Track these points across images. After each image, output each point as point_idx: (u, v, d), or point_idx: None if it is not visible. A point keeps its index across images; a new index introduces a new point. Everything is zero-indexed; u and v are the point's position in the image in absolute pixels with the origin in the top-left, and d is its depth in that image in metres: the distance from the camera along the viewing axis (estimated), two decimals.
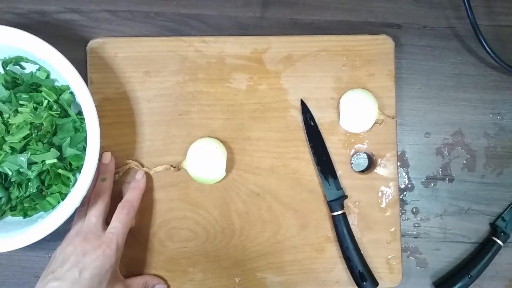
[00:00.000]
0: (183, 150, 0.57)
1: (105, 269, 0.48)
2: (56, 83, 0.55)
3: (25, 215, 0.54)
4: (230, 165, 0.58)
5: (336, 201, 0.57)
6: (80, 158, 0.52)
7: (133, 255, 0.57)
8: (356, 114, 0.57)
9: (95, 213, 0.52)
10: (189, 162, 0.55)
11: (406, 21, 0.62)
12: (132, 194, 0.55)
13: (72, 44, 0.58)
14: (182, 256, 0.57)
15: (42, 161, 0.51)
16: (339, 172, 0.58)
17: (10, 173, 0.51)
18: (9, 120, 0.52)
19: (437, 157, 0.62)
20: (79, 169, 0.53)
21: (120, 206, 0.53)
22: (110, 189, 0.55)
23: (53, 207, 0.53)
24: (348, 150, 0.59)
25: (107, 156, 0.55)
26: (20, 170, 0.51)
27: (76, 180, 0.53)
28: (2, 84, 0.52)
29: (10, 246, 0.49)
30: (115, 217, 0.52)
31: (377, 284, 0.56)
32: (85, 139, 0.52)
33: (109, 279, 0.49)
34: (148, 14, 0.60)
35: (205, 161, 0.55)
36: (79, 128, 0.53)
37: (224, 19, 0.61)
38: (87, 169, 0.49)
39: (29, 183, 0.52)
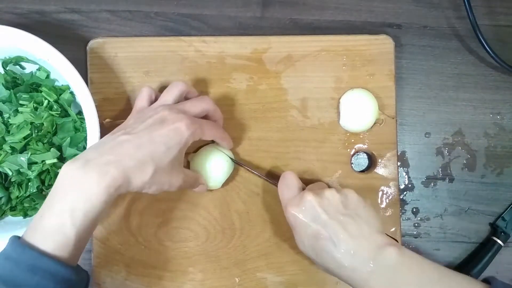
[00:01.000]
0: None
1: (174, 142, 0.45)
2: (56, 83, 0.55)
3: (25, 215, 0.54)
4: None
5: None
6: None
7: (133, 255, 0.57)
8: (356, 114, 0.57)
9: (196, 106, 0.50)
10: (194, 167, 0.56)
11: (406, 21, 0.62)
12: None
13: (72, 44, 0.58)
14: (182, 256, 0.57)
15: (42, 161, 0.51)
16: (339, 172, 0.58)
17: (10, 173, 0.51)
18: (9, 120, 0.52)
19: (437, 157, 0.62)
20: None
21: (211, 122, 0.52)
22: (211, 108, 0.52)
23: None
24: (348, 150, 0.59)
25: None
26: (20, 170, 0.51)
27: None
28: (2, 84, 0.52)
29: None
30: (206, 121, 0.50)
31: None
32: (85, 139, 0.52)
33: (175, 156, 0.46)
34: (148, 14, 0.60)
35: (210, 169, 0.55)
36: (79, 128, 0.53)
37: (224, 19, 0.61)
38: None
39: (29, 183, 0.52)
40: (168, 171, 0.45)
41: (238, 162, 0.57)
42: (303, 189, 0.52)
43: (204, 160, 0.55)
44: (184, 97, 0.52)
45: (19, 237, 0.40)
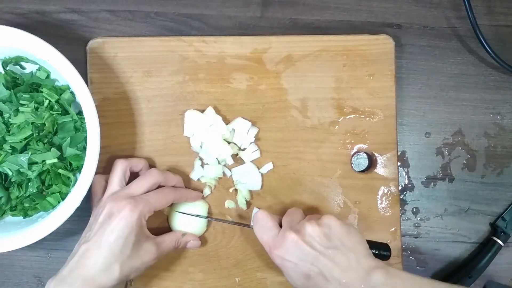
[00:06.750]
0: (183, 150, 0.57)
1: (128, 230, 0.47)
2: (56, 83, 0.55)
3: (25, 215, 0.54)
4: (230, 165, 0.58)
5: None
6: (80, 158, 0.52)
7: None
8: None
9: (140, 185, 0.51)
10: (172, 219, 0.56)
11: (406, 21, 0.62)
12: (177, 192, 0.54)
13: (72, 44, 0.58)
14: (182, 256, 0.57)
15: (43, 161, 0.51)
16: (339, 172, 0.58)
17: (10, 173, 0.51)
18: (9, 120, 0.51)
19: (437, 157, 0.62)
20: (79, 169, 0.53)
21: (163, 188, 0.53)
22: (162, 178, 0.53)
23: (53, 207, 0.53)
24: (348, 150, 0.59)
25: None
26: (21, 170, 0.51)
27: (76, 180, 0.53)
28: (2, 84, 0.52)
29: (10, 246, 0.49)
30: (153, 192, 0.52)
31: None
32: (85, 139, 0.52)
33: (135, 240, 0.48)
34: (148, 14, 0.60)
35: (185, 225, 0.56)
36: (80, 128, 0.53)
37: (224, 19, 0.61)
38: (87, 169, 0.49)
39: (29, 183, 0.52)
40: (136, 255, 0.48)
41: (208, 217, 0.56)
42: (280, 222, 0.52)
43: (174, 217, 0.56)
44: (131, 171, 0.54)
45: None
